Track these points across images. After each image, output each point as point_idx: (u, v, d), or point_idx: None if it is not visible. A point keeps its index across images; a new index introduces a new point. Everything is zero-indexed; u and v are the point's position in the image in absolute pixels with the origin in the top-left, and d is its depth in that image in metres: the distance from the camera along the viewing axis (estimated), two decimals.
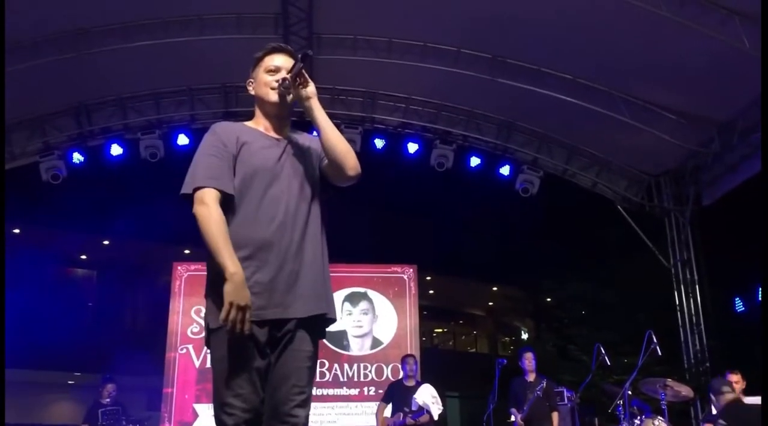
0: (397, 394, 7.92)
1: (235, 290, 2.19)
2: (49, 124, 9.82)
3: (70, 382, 17.63)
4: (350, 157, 2.44)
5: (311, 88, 2.46)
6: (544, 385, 7.28)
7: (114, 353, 12.97)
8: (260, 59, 2.59)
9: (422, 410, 7.61)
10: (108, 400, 8.25)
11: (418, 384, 8.20)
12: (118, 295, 18.10)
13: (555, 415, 7.41)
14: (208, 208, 2.30)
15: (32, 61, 8.37)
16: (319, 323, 2.43)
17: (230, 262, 2.22)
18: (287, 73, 2.48)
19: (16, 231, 17.40)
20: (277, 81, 2.50)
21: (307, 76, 2.47)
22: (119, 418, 7.79)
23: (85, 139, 9.98)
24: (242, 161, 2.44)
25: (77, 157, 9.85)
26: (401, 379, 8.18)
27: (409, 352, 11.57)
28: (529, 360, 7.62)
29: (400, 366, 8.58)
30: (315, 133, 2.56)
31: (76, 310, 16.08)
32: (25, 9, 7.78)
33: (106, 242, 18.46)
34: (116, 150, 9.88)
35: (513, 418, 7.40)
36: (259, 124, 2.59)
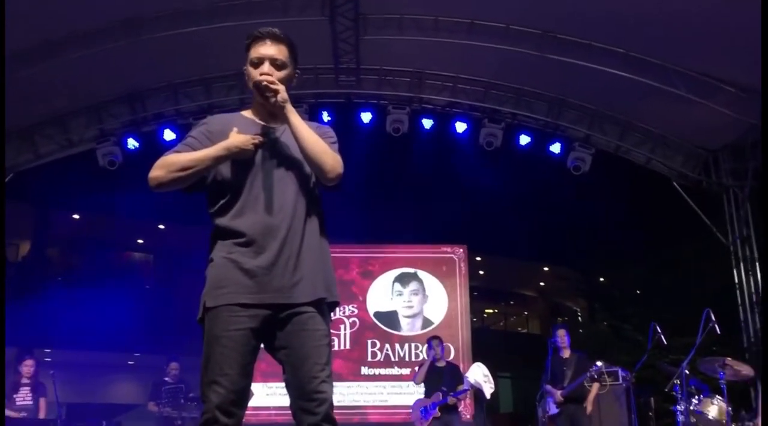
0: (429, 376, 7.94)
1: (232, 137, 2.38)
2: (104, 111, 10.06)
3: (130, 362, 18.21)
4: (326, 161, 2.42)
5: (281, 96, 2.43)
6: (595, 369, 7.19)
7: (172, 334, 13.31)
8: (247, 49, 2.55)
9: (464, 389, 7.63)
10: (170, 378, 8.60)
11: (449, 364, 8.22)
12: (174, 278, 18.53)
13: (595, 386, 7.33)
14: (161, 162, 2.42)
15: (87, 50, 8.56)
16: (324, 305, 2.45)
17: (214, 147, 2.38)
18: (264, 75, 2.45)
19: (76, 216, 17.96)
20: (256, 82, 2.46)
21: (274, 85, 2.43)
22: (178, 396, 8.05)
23: (139, 125, 10.18)
24: None
25: (132, 143, 10.05)
26: (432, 361, 8.16)
27: (459, 333, 11.60)
28: (562, 337, 7.62)
29: (426, 348, 8.52)
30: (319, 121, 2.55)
31: (134, 293, 16.51)
32: (79, 0, 8.01)
33: (161, 226, 18.90)
34: (169, 135, 10.06)
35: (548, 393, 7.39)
36: (256, 112, 2.60)
